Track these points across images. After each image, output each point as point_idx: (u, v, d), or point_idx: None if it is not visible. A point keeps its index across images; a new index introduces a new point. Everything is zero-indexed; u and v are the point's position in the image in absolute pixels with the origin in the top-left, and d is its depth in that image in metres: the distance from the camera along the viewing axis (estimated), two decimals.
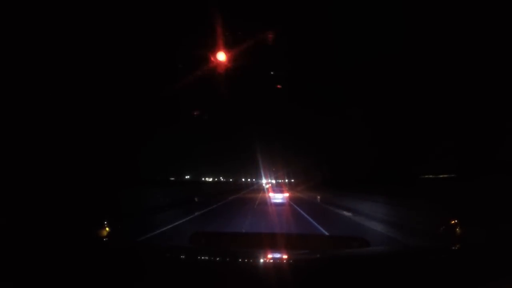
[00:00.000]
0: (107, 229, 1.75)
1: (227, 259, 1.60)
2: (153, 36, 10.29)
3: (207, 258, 1.66)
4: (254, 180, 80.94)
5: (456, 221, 1.71)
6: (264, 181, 59.96)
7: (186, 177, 42.22)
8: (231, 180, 67.34)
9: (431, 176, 12.03)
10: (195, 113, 18.70)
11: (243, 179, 78.53)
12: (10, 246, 1.31)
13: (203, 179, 51.00)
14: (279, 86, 14.56)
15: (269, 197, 18.57)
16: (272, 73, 12.62)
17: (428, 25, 8.47)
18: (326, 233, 8.29)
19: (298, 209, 15.48)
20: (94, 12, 8.52)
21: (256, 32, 8.39)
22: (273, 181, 70.26)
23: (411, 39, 9.45)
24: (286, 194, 18.46)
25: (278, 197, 17.88)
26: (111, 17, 9.02)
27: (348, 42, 11.34)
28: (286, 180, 56.35)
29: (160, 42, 10.66)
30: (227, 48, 8.17)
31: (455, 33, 8.16)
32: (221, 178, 64.51)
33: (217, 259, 1.62)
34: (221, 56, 8.19)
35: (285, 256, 1.74)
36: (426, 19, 8.42)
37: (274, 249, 2.03)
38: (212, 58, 7.93)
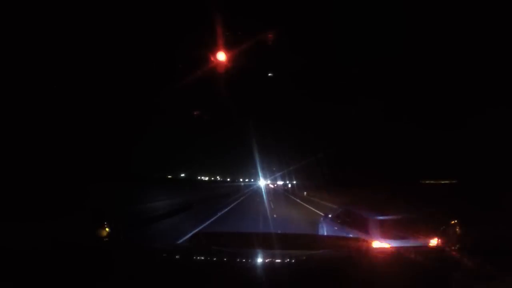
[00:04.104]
0: (107, 229, 1.75)
1: (225, 259, 1.59)
2: (147, 31, 10.20)
3: (203, 258, 1.65)
4: (252, 180, 76.20)
5: (456, 221, 1.72)
6: (263, 182, 55.17)
7: (182, 175, 41.83)
8: (228, 179, 66.31)
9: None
10: (195, 114, 18.53)
11: (241, 179, 76.66)
12: (9, 246, 1.31)
13: (198, 177, 50.59)
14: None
15: None
16: (270, 74, 12.52)
17: (437, 26, 8.45)
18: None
19: None
20: (91, 8, 8.45)
21: (256, 26, 8.33)
22: (268, 182, 64.67)
23: (413, 42, 9.45)
24: None
25: None
26: (107, 13, 8.93)
27: (352, 40, 11.31)
28: (287, 182, 51.83)
29: (155, 38, 10.56)
30: (225, 45, 8.12)
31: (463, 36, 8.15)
32: (218, 177, 63.60)
33: (214, 259, 1.61)
34: (221, 56, 8.15)
35: (284, 256, 1.74)
36: (432, 22, 8.41)
37: (274, 249, 2.03)
38: (212, 58, 7.89)
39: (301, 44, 11.41)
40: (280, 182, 59.83)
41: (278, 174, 55.51)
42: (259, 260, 1.58)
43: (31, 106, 8.63)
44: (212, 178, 59.63)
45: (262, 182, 54.61)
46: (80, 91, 10.27)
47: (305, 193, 26.11)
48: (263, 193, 29.69)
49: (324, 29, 10.68)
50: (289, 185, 47.73)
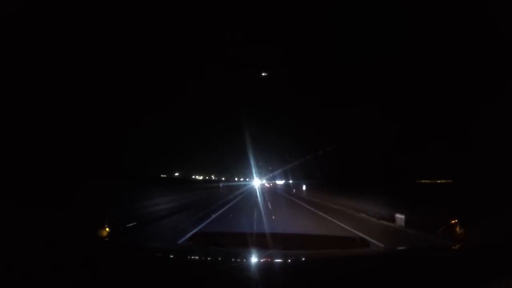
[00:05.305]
0: (107, 229, 1.74)
1: (220, 259, 1.58)
2: (145, 29, 10.04)
3: (197, 257, 1.65)
4: (247, 180, 71.20)
5: (456, 221, 1.73)
6: (258, 182, 50.77)
7: (176, 174, 41.20)
8: (223, 179, 65.47)
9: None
10: (193, 112, 18.42)
11: (236, 178, 75.09)
12: (9, 246, 1.29)
13: (193, 177, 50.06)
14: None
15: None
16: (264, 74, 12.45)
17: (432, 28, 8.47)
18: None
19: None
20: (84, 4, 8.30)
21: (256, 25, 8.31)
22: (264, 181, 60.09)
23: (412, 43, 9.46)
24: None
25: None
26: (102, 9, 8.78)
27: (350, 41, 11.29)
28: (282, 182, 48.36)
29: (153, 36, 10.41)
30: (222, 44, 8.08)
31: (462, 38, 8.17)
32: (212, 176, 62.60)
33: (209, 259, 1.60)
34: (218, 55, 8.10)
35: (281, 256, 1.73)
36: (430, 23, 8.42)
37: (272, 249, 2.03)
38: (210, 58, 7.86)
39: (300, 43, 11.37)
40: (279, 182, 53.06)
41: (276, 173, 52.37)
42: (256, 260, 1.57)
43: (22, 102, 8.47)
44: (207, 177, 59.07)
45: (257, 182, 50.05)
46: (74, 89, 10.13)
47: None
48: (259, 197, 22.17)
49: (324, 28, 10.65)
50: (304, 187, 31.46)
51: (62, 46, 8.92)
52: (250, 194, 28.85)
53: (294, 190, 34.65)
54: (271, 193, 34.34)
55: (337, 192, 17.99)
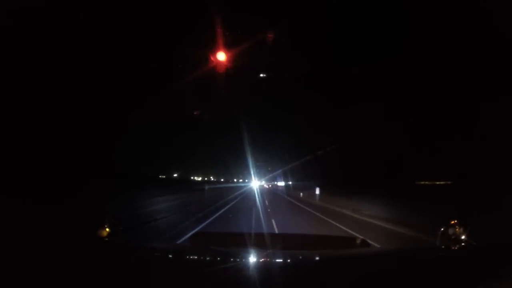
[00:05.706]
0: (107, 229, 1.74)
1: (218, 259, 1.58)
2: (145, 30, 10.02)
3: (196, 257, 1.66)
4: (246, 181, 69.44)
5: (456, 221, 1.73)
6: (257, 183, 48.16)
7: (174, 175, 41.17)
8: (222, 180, 65.27)
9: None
10: (193, 114, 18.40)
11: (235, 179, 74.46)
12: (10, 246, 1.29)
13: (191, 178, 50.12)
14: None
15: None
16: (262, 75, 12.38)
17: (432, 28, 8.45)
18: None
19: None
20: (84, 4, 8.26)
21: (256, 25, 8.29)
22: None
23: (412, 43, 9.45)
24: None
25: None
26: (102, 10, 8.74)
27: (350, 40, 11.24)
28: (283, 183, 46.57)
29: (152, 36, 10.40)
30: (224, 44, 8.07)
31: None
32: (211, 177, 62.52)
33: (208, 259, 1.61)
34: (219, 55, 8.10)
35: (280, 256, 1.73)
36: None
37: (272, 249, 2.03)
38: (212, 58, 7.83)
39: (300, 43, 11.34)
40: (280, 183, 50.72)
41: (275, 173, 49.87)
42: (255, 259, 1.57)
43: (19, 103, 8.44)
44: (206, 179, 58.96)
45: (256, 183, 47.38)
46: (74, 90, 10.12)
47: None
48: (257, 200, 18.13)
49: (325, 28, 10.62)
50: (317, 191, 23.05)
51: (61, 49, 8.92)
52: (247, 197, 24.78)
53: (301, 194, 26.90)
54: (272, 196, 29.63)
55: (362, 198, 14.52)
